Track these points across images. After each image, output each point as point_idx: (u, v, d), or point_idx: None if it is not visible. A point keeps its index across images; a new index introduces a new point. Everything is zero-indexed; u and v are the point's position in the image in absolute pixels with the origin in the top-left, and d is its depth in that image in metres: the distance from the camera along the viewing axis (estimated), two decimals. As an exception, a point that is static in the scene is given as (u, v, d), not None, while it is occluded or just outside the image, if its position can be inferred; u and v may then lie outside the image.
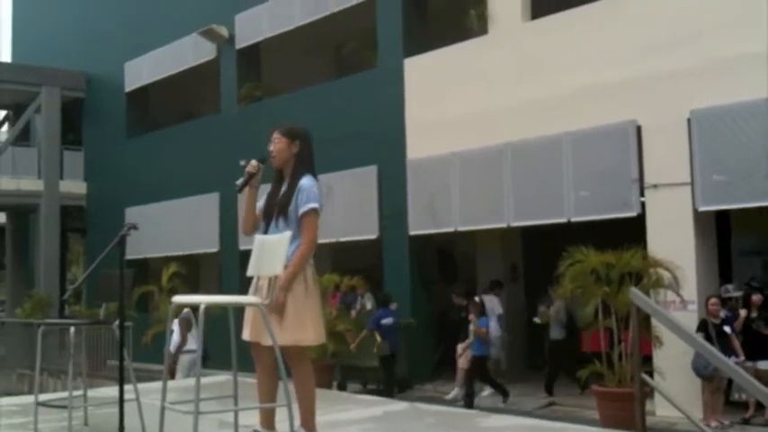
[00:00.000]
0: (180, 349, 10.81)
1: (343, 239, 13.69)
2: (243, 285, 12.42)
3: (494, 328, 12.26)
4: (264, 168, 4.25)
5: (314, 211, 4.11)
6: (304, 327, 4.08)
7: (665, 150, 10.06)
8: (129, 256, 20.13)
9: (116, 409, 5.27)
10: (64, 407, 4.56)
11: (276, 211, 4.18)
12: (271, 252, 3.80)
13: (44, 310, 17.33)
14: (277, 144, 4.26)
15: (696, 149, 9.78)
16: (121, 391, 3.49)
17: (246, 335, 4.13)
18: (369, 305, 13.53)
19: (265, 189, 4.33)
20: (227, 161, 15.71)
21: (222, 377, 7.26)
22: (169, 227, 17.23)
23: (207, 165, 16.59)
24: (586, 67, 10.84)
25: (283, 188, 4.25)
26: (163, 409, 3.58)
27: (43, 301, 17.82)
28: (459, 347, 11.78)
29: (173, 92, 18.76)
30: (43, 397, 5.03)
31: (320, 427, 4.23)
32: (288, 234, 3.86)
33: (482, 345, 11.11)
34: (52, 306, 17.88)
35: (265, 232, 4.19)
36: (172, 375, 10.67)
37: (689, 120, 9.82)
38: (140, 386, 5.11)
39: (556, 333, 11.86)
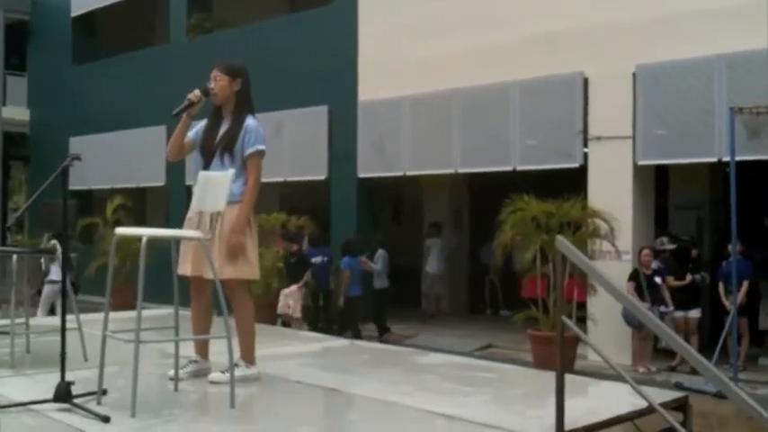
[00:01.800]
0: (43, 280, 10.95)
1: (291, 179, 13.71)
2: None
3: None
4: (204, 102, 4.31)
5: (261, 153, 4.22)
6: (247, 261, 4.21)
7: (609, 103, 10.26)
8: (73, 187, 19.86)
9: (57, 338, 5.35)
10: (6, 333, 4.62)
11: (221, 148, 4.25)
12: (214, 188, 3.86)
13: (-16, 238, 17.01)
14: (219, 81, 4.32)
15: (639, 104, 10.00)
16: (63, 320, 3.56)
17: (187, 270, 4.21)
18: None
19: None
20: (175, 94, 15.36)
21: (162, 311, 7.34)
22: (115, 158, 16.98)
23: (154, 96, 16.26)
24: (538, 16, 10.91)
25: (224, 126, 4.32)
26: (104, 337, 3.66)
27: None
28: (288, 290, 11.43)
29: (121, 19, 18.25)
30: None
31: (259, 360, 4.37)
32: (231, 172, 3.94)
33: (353, 285, 11.48)
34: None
35: (206, 167, 4.26)
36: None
37: (634, 74, 10.02)
38: (83, 317, 5.19)
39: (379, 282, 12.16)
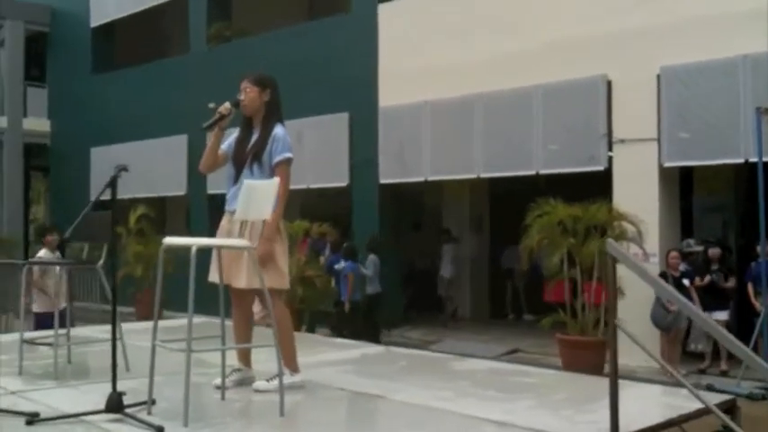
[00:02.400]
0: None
1: (313, 186, 13.74)
2: (212, 228, 12.47)
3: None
4: (234, 114, 4.35)
5: (289, 161, 4.29)
6: (278, 270, 4.23)
7: (633, 106, 10.23)
8: (94, 197, 19.89)
9: (95, 348, 5.40)
10: (50, 344, 4.65)
11: (250, 158, 4.29)
12: (259, 197, 3.88)
13: (8, 250, 17.13)
14: (248, 93, 4.36)
15: (664, 106, 9.96)
16: (114, 331, 3.58)
17: (217, 278, 4.22)
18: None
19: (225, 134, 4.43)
20: (195, 103, 15.52)
21: (198, 319, 7.38)
22: (136, 168, 16.97)
23: (175, 106, 16.39)
24: (560, 20, 10.90)
25: (255, 136, 4.36)
26: (154, 347, 3.68)
27: (8, 242, 17.61)
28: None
29: (141, 29, 18.39)
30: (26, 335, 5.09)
31: (302, 369, 4.38)
32: (276, 180, 3.95)
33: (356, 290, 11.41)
34: (16, 246, 17.67)
35: (237, 178, 4.30)
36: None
37: (658, 76, 9.98)
38: (105, 327, 5.21)
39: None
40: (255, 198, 3.86)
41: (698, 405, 3.97)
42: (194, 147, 15.86)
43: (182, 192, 16.42)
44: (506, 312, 14.53)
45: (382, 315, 12.19)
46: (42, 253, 8.62)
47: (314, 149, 13.64)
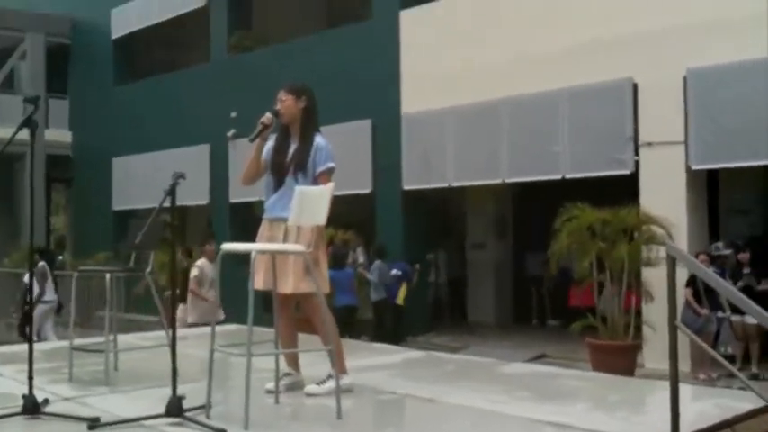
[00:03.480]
0: (39, 299, 11.27)
1: (336, 193, 13.70)
2: (234, 237, 12.53)
3: None
4: (276, 124, 4.38)
5: (332, 170, 4.42)
6: (321, 275, 4.27)
7: (660, 109, 10.21)
8: (116, 207, 19.98)
9: (141, 355, 5.45)
10: (100, 351, 4.70)
11: (294, 166, 4.33)
12: (312, 203, 3.93)
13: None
14: (284, 102, 4.41)
15: (691, 108, 9.94)
16: (174, 336, 3.61)
17: (259, 284, 4.24)
18: (361, 258, 13.71)
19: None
20: (217, 112, 15.65)
21: (231, 326, 7.43)
22: (158, 178, 17.11)
23: (197, 115, 16.50)
24: (584, 23, 10.91)
25: (294, 144, 4.41)
26: (212, 351, 3.71)
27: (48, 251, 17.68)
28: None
29: (161, 40, 18.53)
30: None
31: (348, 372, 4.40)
32: (331, 186, 4.00)
33: (340, 295, 10.76)
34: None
35: (278, 186, 4.35)
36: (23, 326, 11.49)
37: (685, 78, 9.97)
38: (141, 334, 5.22)
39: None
40: (309, 204, 3.90)
41: (750, 405, 3.98)
42: (216, 156, 15.98)
43: (204, 201, 16.50)
44: (531, 317, 14.50)
45: (399, 322, 12.25)
46: (200, 263, 9.16)
47: (337, 156, 13.61)
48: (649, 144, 10.31)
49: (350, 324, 11.51)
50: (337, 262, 11.70)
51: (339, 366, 4.30)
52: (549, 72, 11.11)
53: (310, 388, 4.24)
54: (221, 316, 8.21)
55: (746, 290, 9.83)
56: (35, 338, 8.90)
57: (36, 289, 11.21)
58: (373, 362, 5.37)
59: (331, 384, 4.15)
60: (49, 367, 5.17)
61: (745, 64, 9.47)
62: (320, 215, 3.88)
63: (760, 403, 4.14)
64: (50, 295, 11.74)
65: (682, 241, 9.77)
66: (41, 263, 11.39)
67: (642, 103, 10.43)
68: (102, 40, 19.38)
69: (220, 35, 16.58)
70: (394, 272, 12.03)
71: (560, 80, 11.00)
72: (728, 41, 9.54)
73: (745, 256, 10.10)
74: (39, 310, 11.39)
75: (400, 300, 12.02)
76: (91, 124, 19.83)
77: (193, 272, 9.31)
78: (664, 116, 10.16)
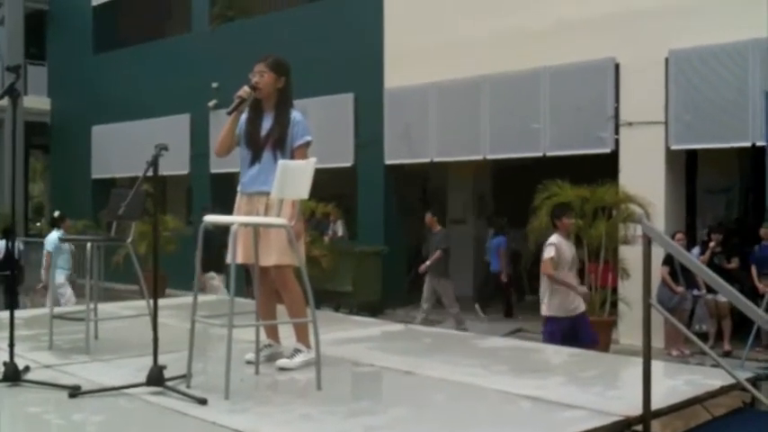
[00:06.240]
0: None
1: (318, 166, 13.69)
2: (215, 208, 12.48)
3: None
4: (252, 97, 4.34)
5: (308, 144, 4.42)
6: (300, 248, 4.29)
7: (641, 89, 10.29)
8: (95, 176, 19.78)
9: (120, 324, 5.46)
10: (81, 319, 4.71)
11: (272, 141, 4.33)
12: (295, 177, 3.94)
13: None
14: (265, 77, 4.35)
15: (672, 89, 10.03)
16: (155, 306, 3.64)
17: (238, 257, 4.22)
18: (340, 232, 13.75)
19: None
20: (197, 82, 15.54)
21: (211, 297, 7.46)
22: (137, 147, 17.00)
23: (177, 85, 16.36)
24: (568, 1, 10.92)
25: (268, 120, 4.38)
26: (193, 322, 3.74)
27: (9, 218, 17.56)
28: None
29: (143, 8, 18.30)
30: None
31: (327, 345, 4.43)
32: (313, 160, 4.02)
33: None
34: (18, 224, 17.63)
35: (255, 160, 4.34)
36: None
37: (666, 59, 10.04)
38: (122, 303, 5.24)
39: None
40: (292, 178, 3.92)
41: (720, 383, 4.08)
42: (197, 126, 15.88)
43: (185, 171, 16.42)
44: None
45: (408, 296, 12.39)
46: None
47: (318, 130, 13.53)
48: (630, 123, 10.39)
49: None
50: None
51: (306, 340, 4.31)
52: (531, 50, 11.13)
53: (282, 362, 4.26)
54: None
55: (718, 269, 10.01)
56: None
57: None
58: (352, 334, 5.43)
59: (302, 357, 4.21)
60: (29, 334, 5.18)
61: (727, 46, 9.55)
62: (303, 189, 3.90)
63: (730, 380, 4.25)
64: None
65: (659, 220, 9.89)
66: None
67: (623, 82, 10.50)
68: (82, 7, 19.11)
69: (202, 4, 16.41)
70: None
71: (543, 58, 11.03)
72: (710, 23, 9.60)
73: (717, 237, 10.25)
74: None
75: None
76: (70, 91, 19.60)
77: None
78: (645, 96, 10.24)
